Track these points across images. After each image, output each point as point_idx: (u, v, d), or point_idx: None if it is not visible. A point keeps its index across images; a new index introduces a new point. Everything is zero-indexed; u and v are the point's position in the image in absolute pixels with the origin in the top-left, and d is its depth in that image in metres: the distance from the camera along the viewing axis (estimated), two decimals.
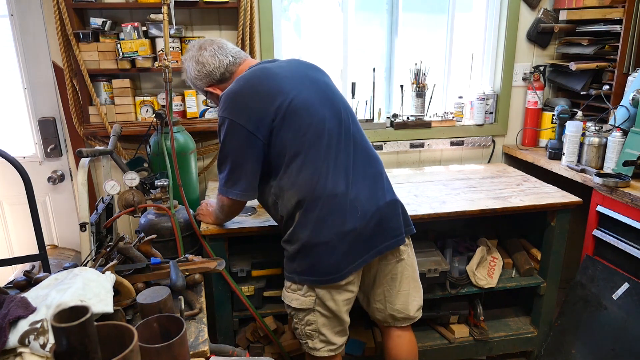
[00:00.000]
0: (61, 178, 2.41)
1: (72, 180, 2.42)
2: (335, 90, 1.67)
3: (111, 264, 1.22)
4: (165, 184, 1.81)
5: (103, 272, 1.16)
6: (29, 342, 0.89)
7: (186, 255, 1.41)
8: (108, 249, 1.35)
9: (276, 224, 1.87)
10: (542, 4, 2.61)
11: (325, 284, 1.52)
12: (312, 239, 1.49)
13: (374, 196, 1.55)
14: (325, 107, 1.56)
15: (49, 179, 2.37)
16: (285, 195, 1.52)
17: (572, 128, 2.25)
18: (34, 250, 1.41)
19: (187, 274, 1.33)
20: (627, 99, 2.13)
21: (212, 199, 1.98)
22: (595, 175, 2.06)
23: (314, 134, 1.50)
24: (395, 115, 2.67)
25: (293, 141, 1.50)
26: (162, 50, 2.01)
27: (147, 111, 2.28)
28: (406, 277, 1.68)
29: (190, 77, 1.69)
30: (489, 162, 2.81)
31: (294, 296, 1.58)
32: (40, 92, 2.29)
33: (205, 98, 2.16)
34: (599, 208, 2.08)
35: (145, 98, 2.28)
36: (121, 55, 2.14)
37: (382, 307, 1.71)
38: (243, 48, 2.25)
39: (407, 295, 1.70)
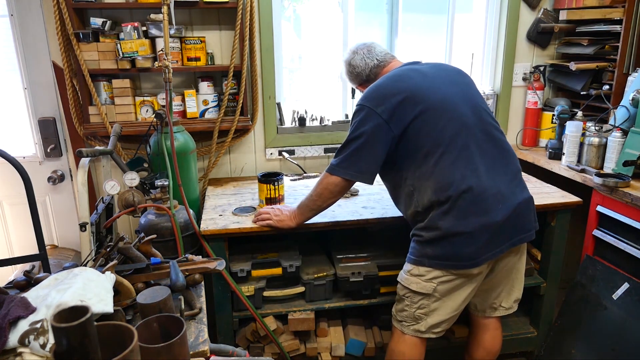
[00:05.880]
0: (61, 178, 2.41)
1: (72, 180, 2.42)
2: (475, 91, 1.75)
3: (111, 264, 1.22)
4: (165, 184, 1.81)
5: (103, 272, 1.16)
6: (29, 342, 0.89)
7: (186, 255, 1.41)
8: (108, 249, 1.35)
9: (279, 225, 1.86)
10: (542, 4, 2.61)
11: (460, 268, 1.57)
12: (453, 229, 1.53)
13: (514, 191, 1.61)
14: (465, 105, 1.63)
15: (49, 179, 2.37)
16: (423, 187, 1.57)
17: (572, 128, 2.25)
18: (34, 250, 1.41)
19: (187, 274, 1.33)
20: (627, 99, 2.13)
21: (276, 205, 1.96)
22: (595, 175, 2.06)
23: (453, 129, 1.57)
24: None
25: (432, 136, 1.56)
26: (162, 50, 2.01)
27: (147, 111, 2.28)
28: (517, 270, 1.76)
29: (346, 77, 1.91)
30: None
31: (415, 280, 1.63)
32: (40, 92, 2.29)
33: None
34: (599, 208, 2.08)
35: (145, 98, 2.27)
36: (121, 55, 2.14)
37: (486, 295, 1.78)
38: (242, 48, 2.25)
39: (512, 288, 1.78)
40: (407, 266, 1.68)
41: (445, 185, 1.53)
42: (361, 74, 1.83)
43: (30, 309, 0.99)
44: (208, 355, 1.09)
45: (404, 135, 1.58)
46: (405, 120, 1.57)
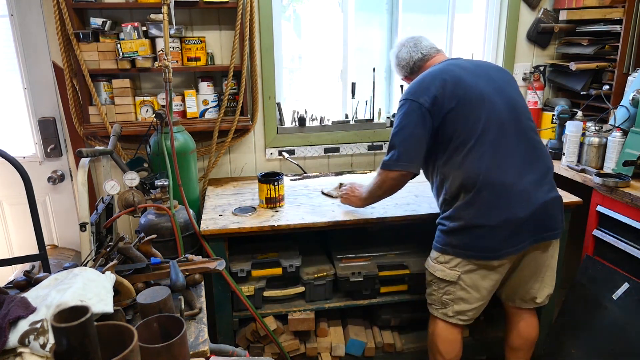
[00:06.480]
0: (61, 178, 2.41)
1: (72, 180, 2.42)
2: (514, 87, 1.79)
3: (111, 264, 1.22)
4: (165, 184, 1.81)
5: (103, 272, 1.16)
6: (29, 342, 0.89)
7: (186, 255, 1.41)
8: (108, 249, 1.35)
9: (279, 225, 1.87)
10: (542, 4, 2.61)
11: (480, 259, 1.64)
12: (475, 220, 1.60)
13: (541, 189, 1.64)
14: (501, 101, 1.67)
15: (49, 179, 2.37)
16: (451, 177, 1.64)
17: (572, 128, 2.25)
18: (34, 250, 1.41)
19: (187, 274, 1.33)
20: (627, 99, 2.13)
21: (355, 181, 2.06)
22: (595, 175, 2.06)
23: (486, 124, 1.62)
24: (395, 116, 2.67)
25: (465, 128, 1.62)
26: (162, 50, 2.01)
27: (147, 111, 2.28)
28: (548, 266, 1.80)
29: (393, 68, 1.99)
30: None
31: (440, 267, 1.71)
32: (40, 92, 2.29)
33: None
34: (599, 208, 2.08)
35: (145, 98, 2.27)
36: (121, 55, 2.14)
37: (517, 289, 1.82)
38: (242, 48, 2.25)
39: (542, 283, 1.81)
40: (433, 253, 1.76)
41: (472, 177, 1.58)
42: (406, 67, 1.89)
43: (30, 309, 0.99)
44: (208, 355, 1.09)
45: (440, 126, 1.65)
46: (443, 111, 1.63)
